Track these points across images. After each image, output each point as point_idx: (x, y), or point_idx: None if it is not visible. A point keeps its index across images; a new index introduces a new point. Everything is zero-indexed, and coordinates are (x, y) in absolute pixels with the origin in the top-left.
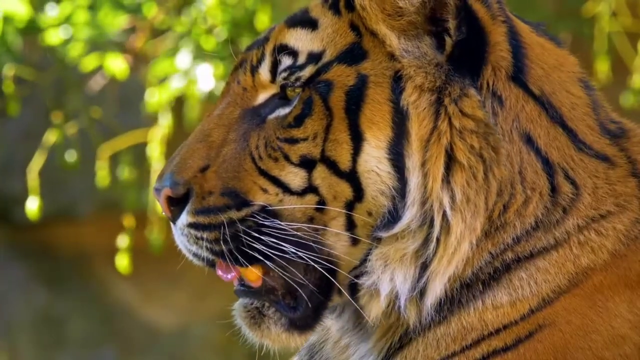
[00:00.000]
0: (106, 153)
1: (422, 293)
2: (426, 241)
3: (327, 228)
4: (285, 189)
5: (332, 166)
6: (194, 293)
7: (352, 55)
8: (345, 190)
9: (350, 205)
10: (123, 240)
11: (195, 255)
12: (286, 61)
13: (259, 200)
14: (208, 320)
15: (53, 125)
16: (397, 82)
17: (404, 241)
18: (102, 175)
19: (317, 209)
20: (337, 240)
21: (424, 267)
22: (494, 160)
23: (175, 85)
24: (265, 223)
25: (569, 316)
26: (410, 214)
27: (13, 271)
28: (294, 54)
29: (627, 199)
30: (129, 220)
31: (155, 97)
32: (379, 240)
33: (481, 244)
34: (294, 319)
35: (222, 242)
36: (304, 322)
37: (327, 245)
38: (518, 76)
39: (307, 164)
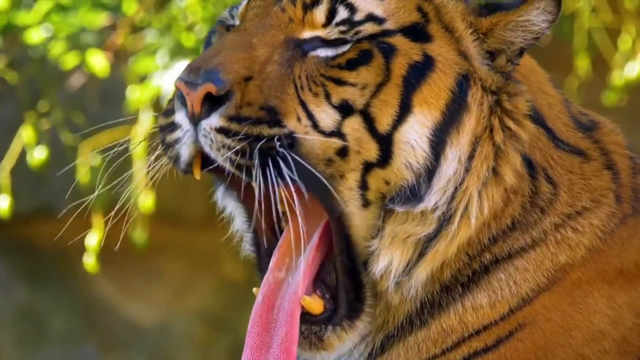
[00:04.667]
0: (87, 150)
1: (409, 275)
2: (437, 232)
3: (345, 177)
4: (315, 125)
5: (370, 122)
6: (175, 289)
7: (416, 33)
8: (372, 149)
9: (369, 165)
10: (92, 239)
11: (210, 161)
12: (343, 13)
13: (291, 125)
14: (189, 316)
15: (27, 122)
16: (466, 79)
17: (414, 223)
18: (83, 171)
19: (338, 153)
20: (350, 197)
21: (423, 253)
22: (522, 177)
23: (156, 82)
24: (288, 149)
25: (548, 314)
26: (434, 199)
27: None
28: (352, 8)
29: (603, 193)
30: (97, 220)
31: (137, 95)
32: (391, 212)
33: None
34: (344, 316)
35: (247, 156)
36: (351, 310)
37: (340, 200)
38: None
39: (345, 109)
